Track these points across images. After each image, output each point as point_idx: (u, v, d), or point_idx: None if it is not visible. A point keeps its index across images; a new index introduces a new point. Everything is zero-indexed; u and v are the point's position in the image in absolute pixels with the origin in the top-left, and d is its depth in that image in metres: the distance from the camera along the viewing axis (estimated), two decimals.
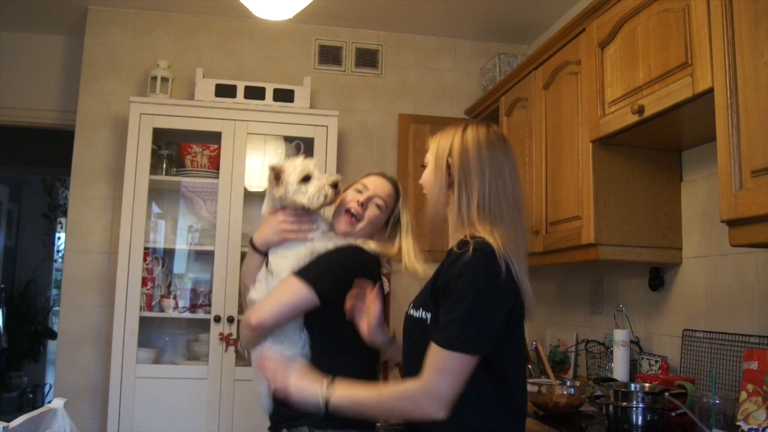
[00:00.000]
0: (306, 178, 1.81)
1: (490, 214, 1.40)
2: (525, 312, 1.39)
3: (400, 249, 1.89)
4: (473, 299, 1.29)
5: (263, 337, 1.74)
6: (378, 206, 1.87)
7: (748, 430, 1.56)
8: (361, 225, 1.86)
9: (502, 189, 1.43)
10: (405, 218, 1.93)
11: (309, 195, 1.80)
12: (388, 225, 1.93)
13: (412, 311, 1.48)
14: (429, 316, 1.39)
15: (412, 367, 1.41)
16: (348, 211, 1.87)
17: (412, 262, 1.86)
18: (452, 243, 1.44)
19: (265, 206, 1.92)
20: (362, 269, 1.77)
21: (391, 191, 1.92)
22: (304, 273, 1.73)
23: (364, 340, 1.71)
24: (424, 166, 1.61)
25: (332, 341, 1.75)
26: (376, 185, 1.90)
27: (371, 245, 1.83)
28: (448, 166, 1.47)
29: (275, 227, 1.83)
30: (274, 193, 1.84)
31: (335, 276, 1.74)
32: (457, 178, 1.44)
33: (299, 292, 1.70)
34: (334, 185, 1.83)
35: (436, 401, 1.28)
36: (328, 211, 1.96)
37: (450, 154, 1.47)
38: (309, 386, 1.44)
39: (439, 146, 1.53)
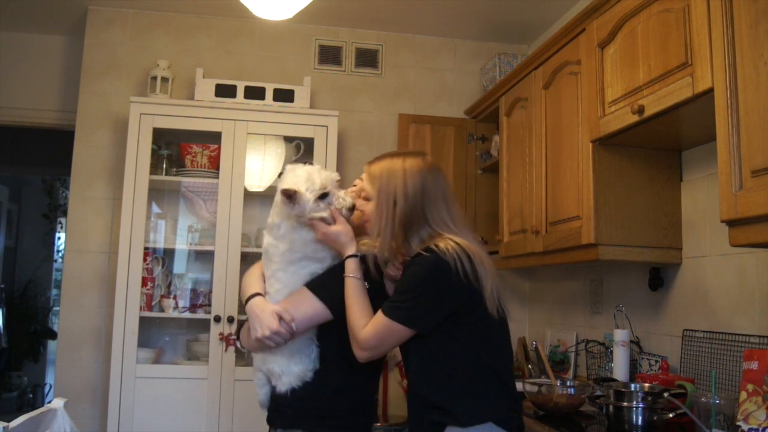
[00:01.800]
0: (324, 196, 1.73)
1: (442, 232, 1.64)
2: (484, 305, 1.57)
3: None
4: (412, 284, 1.58)
5: (282, 341, 1.69)
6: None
7: (748, 430, 1.56)
8: (369, 225, 1.79)
9: (448, 211, 1.67)
10: None
11: (325, 213, 1.73)
12: None
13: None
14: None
15: (418, 367, 1.65)
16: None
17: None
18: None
19: (276, 218, 1.79)
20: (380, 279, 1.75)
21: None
22: (317, 287, 1.72)
23: None
24: (364, 198, 1.74)
25: (343, 353, 1.71)
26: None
27: (365, 245, 1.77)
28: (394, 205, 1.65)
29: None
30: (290, 211, 1.74)
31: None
32: (407, 216, 1.64)
33: (315, 307, 1.69)
34: (351, 208, 1.76)
35: (360, 345, 1.61)
36: None
37: (396, 196, 1.65)
38: (344, 242, 1.72)
39: (383, 184, 1.68)
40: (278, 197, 1.76)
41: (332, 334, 1.73)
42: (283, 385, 1.73)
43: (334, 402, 1.73)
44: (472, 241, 1.64)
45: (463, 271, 1.54)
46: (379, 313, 1.59)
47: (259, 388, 1.83)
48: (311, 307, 1.69)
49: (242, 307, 3.19)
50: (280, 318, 1.66)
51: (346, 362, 1.71)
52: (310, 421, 1.71)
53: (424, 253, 1.57)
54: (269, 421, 1.80)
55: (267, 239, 1.80)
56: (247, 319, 1.78)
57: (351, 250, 1.70)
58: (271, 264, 1.78)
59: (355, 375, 1.75)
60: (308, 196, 1.70)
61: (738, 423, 1.60)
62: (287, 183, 1.73)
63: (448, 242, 1.57)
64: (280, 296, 1.73)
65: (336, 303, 1.68)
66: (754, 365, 1.61)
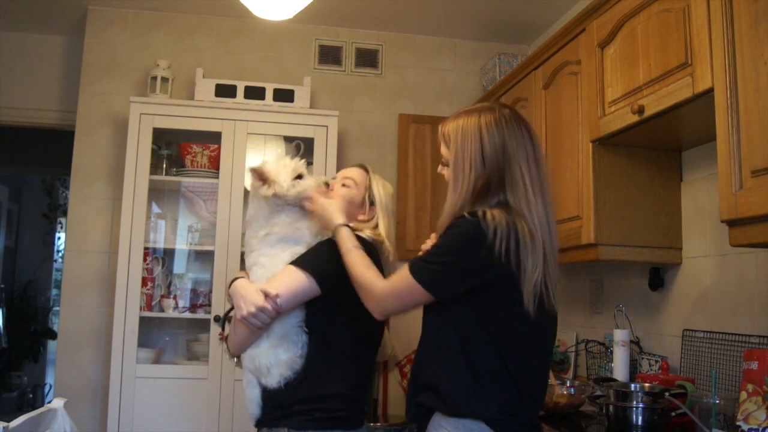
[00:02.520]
0: (299, 177, 1.81)
1: (514, 205, 1.48)
2: (518, 293, 1.40)
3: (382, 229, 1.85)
4: (444, 248, 1.45)
5: (272, 319, 1.65)
6: (345, 185, 1.86)
7: (748, 430, 1.56)
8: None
9: (529, 174, 1.49)
10: (378, 194, 1.87)
11: (309, 185, 1.79)
12: (365, 204, 1.87)
13: None
14: None
15: (426, 338, 1.54)
16: None
17: (389, 241, 1.82)
18: None
19: (256, 209, 1.83)
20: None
21: (357, 171, 1.91)
22: (303, 262, 1.69)
23: (359, 338, 1.72)
24: (443, 164, 1.58)
25: (330, 340, 1.71)
26: (342, 173, 1.93)
27: (366, 232, 1.77)
28: (470, 170, 1.49)
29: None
30: (262, 192, 1.78)
31: (334, 263, 1.66)
32: (484, 183, 1.49)
33: (301, 281, 1.65)
34: (326, 184, 1.86)
35: (377, 299, 1.52)
36: None
37: (472, 161, 1.48)
38: (333, 210, 1.72)
39: (458, 148, 1.51)
40: (252, 186, 1.82)
41: (320, 319, 1.71)
42: (274, 378, 1.68)
43: (320, 395, 1.67)
44: (542, 217, 1.47)
45: (500, 247, 1.37)
46: (405, 268, 1.47)
47: (249, 390, 1.76)
48: (296, 281, 1.65)
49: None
50: (266, 295, 1.63)
51: (334, 349, 1.70)
52: (295, 416, 1.66)
53: (467, 216, 1.42)
54: (258, 425, 1.76)
55: (247, 233, 1.84)
56: (224, 329, 1.78)
57: (340, 219, 1.70)
58: (252, 253, 1.79)
59: (346, 361, 1.72)
60: (282, 177, 1.77)
61: (738, 423, 1.60)
62: (256, 165, 1.82)
63: (501, 213, 1.41)
64: (263, 281, 1.72)
65: (321, 275, 1.66)
66: (754, 365, 1.61)
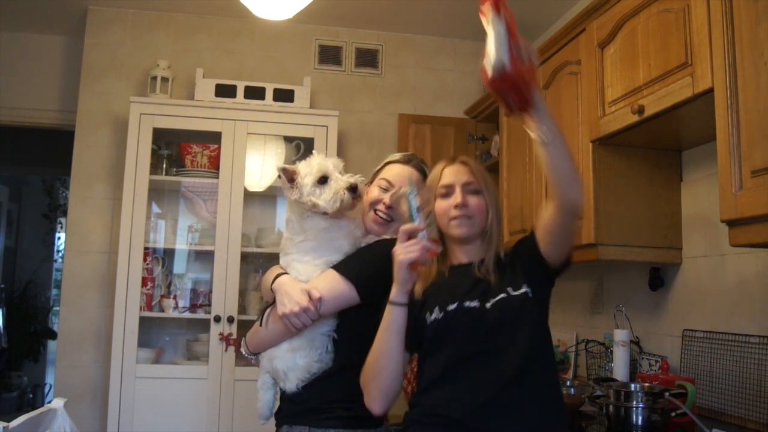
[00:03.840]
0: (323, 180, 1.67)
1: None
2: None
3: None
4: None
5: (308, 320, 1.59)
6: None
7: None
8: (394, 225, 1.71)
9: None
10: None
11: (325, 198, 1.66)
12: None
13: (507, 292, 1.48)
14: (529, 290, 1.50)
15: (510, 347, 1.45)
16: (377, 212, 1.75)
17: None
18: (481, 256, 1.57)
19: (289, 212, 1.76)
20: None
21: (417, 178, 1.75)
22: (345, 269, 1.63)
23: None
24: (474, 191, 1.59)
25: (357, 343, 1.62)
26: (399, 178, 1.76)
27: None
28: (496, 209, 1.61)
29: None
30: (288, 195, 1.70)
31: (376, 273, 1.59)
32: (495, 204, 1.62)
33: (342, 289, 1.61)
34: (353, 188, 1.68)
35: None
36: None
37: (496, 202, 1.62)
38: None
39: (489, 185, 1.61)
40: (283, 187, 1.72)
41: (351, 327, 1.65)
42: (291, 382, 1.64)
43: (345, 395, 1.62)
44: None
45: None
46: None
47: (263, 392, 1.73)
48: (338, 288, 1.60)
49: (243, 307, 3.21)
50: (309, 296, 1.58)
51: (362, 353, 1.61)
52: (316, 414, 1.62)
53: None
54: (277, 421, 1.72)
55: (284, 234, 1.76)
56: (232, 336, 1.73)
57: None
58: (287, 256, 1.73)
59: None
60: (306, 180, 1.67)
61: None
62: (290, 165, 1.71)
63: None
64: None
65: (363, 284, 1.60)
66: None
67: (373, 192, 1.78)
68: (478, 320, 1.46)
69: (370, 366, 1.52)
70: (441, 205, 1.57)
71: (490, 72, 1.35)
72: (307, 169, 1.68)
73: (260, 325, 1.70)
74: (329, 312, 1.62)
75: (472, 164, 1.61)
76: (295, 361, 1.63)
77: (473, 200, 1.55)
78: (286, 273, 1.68)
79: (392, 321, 1.49)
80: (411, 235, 1.48)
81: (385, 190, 1.76)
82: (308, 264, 1.67)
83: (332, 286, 1.61)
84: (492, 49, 1.36)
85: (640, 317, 2.58)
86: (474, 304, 1.48)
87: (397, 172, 1.79)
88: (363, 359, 1.61)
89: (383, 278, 1.57)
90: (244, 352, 1.76)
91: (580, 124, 2.42)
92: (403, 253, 1.47)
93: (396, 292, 1.49)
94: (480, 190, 1.57)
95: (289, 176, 1.69)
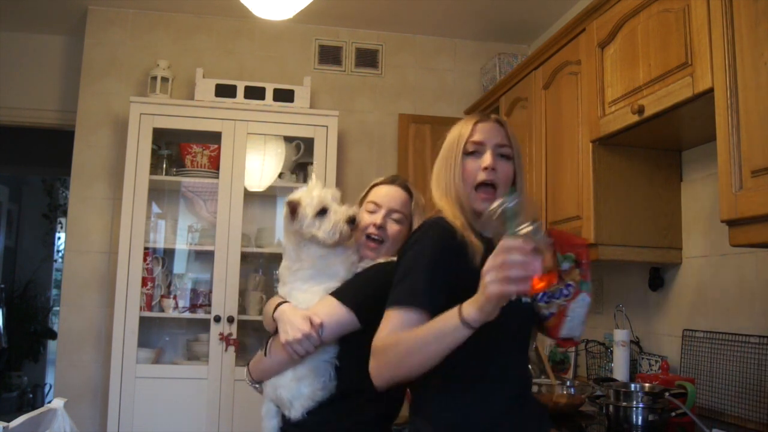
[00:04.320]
0: (322, 212, 1.69)
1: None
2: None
3: None
4: None
5: (311, 346, 1.59)
6: (397, 221, 1.75)
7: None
8: (386, 246, 1.73)
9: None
10: (417, 222, 1.75)
11: (324, 230, 1.68)
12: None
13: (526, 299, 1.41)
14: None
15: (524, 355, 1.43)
16: (369, 237, 1.74)
17: None
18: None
19: (286, 240, 1.77)
20: None
21: (404, 199, 1.77)
22: (343, 295, 1.63)
23: None
24: (506, 155, 1.48)
25: (363, 372, 1.56)
26: (386, 198, 1.77)
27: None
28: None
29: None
30: (290, 227, 1.72)
31: (374, 297, 1.57)
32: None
33: (342, 314, 1.61)
34: (351, 221, 1.70)
35: None
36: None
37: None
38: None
39: (517, 145, 1.52)
40: (284, 217, 1.73)
41: (353, 353, 1.64)
42: (296, 411, 1.64)
43: (351, 424, 1.64)
44: None
45: None
46: None
47: (267, 421, 1.71)
48: (337, 314, 1.61)
49: (243, 307, 3.21)
50: (311, 323, 1.59)
51: (364, 378, 1.61)
52: None
53: None
54: None
55: (282, 264, 1.78)
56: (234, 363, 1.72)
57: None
58: (285, 286, 1.74)
59: (375, 397, 1.62)
60: (307, 211, 1.68)
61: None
62: (291, 196, 1.72)
63: None
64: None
65: (362, 310, 1.60)
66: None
67: (363, 217, 1.77)
68: (528, 314, 1.44)
69: (402, 354, 1.27)
70: (467, 164, 1.44)
71: (565, 334, 1.47)
72: (307, 200, 1.70)
73: (264, 355, 1.71)
74: (331, 338, 1.63)
75: (508, 126, 1.50)
76: (300, 390, 1.64)
77: (503, 166, 1.43)
78: (286, 302, 1.69)
79: (455, 339, 1.19)
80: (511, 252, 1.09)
81: (373, 212, 1.77)
82: (307, 292, 1.69)
83: (332, 312, 1.62)
84: (578, 317, 1.47)
85: (640, 317, 2.58)
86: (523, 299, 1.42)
87: (383, 193, 1.79)
88: (364, 383, 1.59)
89: (381, 302, 1.56)
90: (248, 381, 1.76)
91: (580, 124, 2.42)
92: (499, 281, 1.08)
93: (474, 317, 1.15)
94: (511, 156, 1.46)
95: (293, 208, 1.70)
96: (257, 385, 1.75)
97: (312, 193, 1.70)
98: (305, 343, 1.58)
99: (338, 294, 1.64)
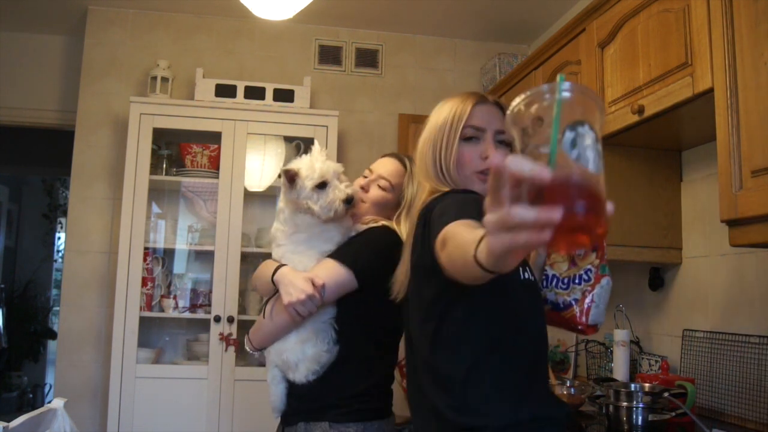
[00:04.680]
0: (322, 185, 1.68)
1: None
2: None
3: None
4: None
5: (314, 307, 1.60)
6: (381, 187, 1.78)
7: (551, 276, 1.54)
8: (365, 207, 1.78)
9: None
10: (408, 196, 1.77)
11: (320, 205, 1.68)
12: (401, 206, 1.79)
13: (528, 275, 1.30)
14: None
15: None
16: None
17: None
18: None
19: (283, 204, 1.78)
20: (396, 247, 1.64)
21: (396, 168, 1.80)
22: (341, 256, 1.66)
23: (388, 330, 1.69)
24: (505, 142, 1.39)
25: (364, 332, 1.69)
26: (378, 165, 1.83)
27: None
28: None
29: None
30: (288, 195, 1.72)
31: (372, 256, 1.66)
32: None
33: (341, 274, 1.62)
34: (348, 200, 1.70)
35: None
36: None
37: None
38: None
39: None
40: (282, 179, 1.74)
41: (351, 314, 1.68)
42: (301, 374, 1.66)
43: (360, 388, 1.66)
44: None
45: None
46: None
47: (274, 386, 1.73)
48: (337, 274, 1.62)
49: (243, 307, 3.21)
50: (313, 283, 1.60)
51: (367, 341, 1.68)
52: (335, 410, 1.64)
53: None
54: (286, 418, 1.73)
55: (274, 225, 1.79)
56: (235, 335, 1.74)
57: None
58: (279, 248, 1.75)
59: (377, 354, 1.70)
60: (306, 183, 1.68)
61: (545, 268, 1.56)
62: (291, 165, 1.72)
63: None
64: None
65: (360, 269, 1.63)
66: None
67: (357, 181, 1.83)
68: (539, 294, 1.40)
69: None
70: (465, 151, 1.35)
71: (588, 320, 1.44)
72: (308, 172, 1.69)
73: (263, 317, 1.72)
74: (331, 298, 1.65)
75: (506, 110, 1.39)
76: (305, 352, 1.65)
77: (502, 154, 1.26)
78: (284, 265, 1.70)
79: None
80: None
81: (365, 176, 1.82)
82: (303, 255, 1.70)
83: (332, 273, 1.63)
84: (604, 302, 1.44)
85: (640, 317, 2.58)
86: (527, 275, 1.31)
87: (378, 162, 1.85)
88: (364, 347, 1.66)
89: (378, 263, 1.62)
90: (248, 349, 1.76)
91: None
92: (505, 230, 0.66)
93: (484, 261, 0.84)
94: (511, 142, 1.36)
95: (290, 177, 1.71)
96: (258, 353, 1.76)
97: (314, 165, 1.69)
98: (308, 304, 1.59)
99: (336, 255, 1.67)
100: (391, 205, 1.79)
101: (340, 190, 1.69)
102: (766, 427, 1.89)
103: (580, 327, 1.46)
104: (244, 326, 3.25)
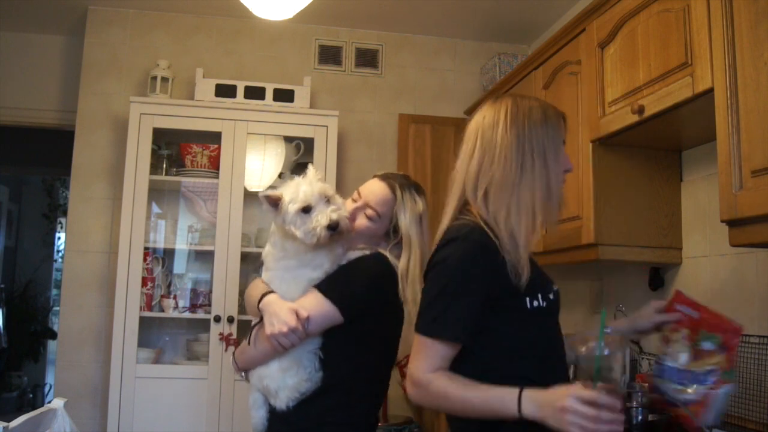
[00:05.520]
0: (306, 209, 1.62)
1: None
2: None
3: (405, 269, 1.66)
4: None
5: (297, 339, 1.58)
6: (368, 216, 1.71)
7: (669, 367, 1.45)
8: (349, 237, 1.70)
9: None
10: (403, 224, 1.71)
11: (303, 230, 1.62)
12: (390, 234, 1.73)
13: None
14: None
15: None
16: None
17: (412, 287, 1.64)
18: None
19: (275, 227, 1.72)
20: (388, 278, 1.65)
21: (384, 196, 1.72)
22: (328, 289, 1.62)
23: (377, 359, 1.70)
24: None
25: (347, 364, 1.66)
26: (368, 191, 1.74)
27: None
28: None
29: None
30: (274, 219, 1.68)
31: (360, 290, 1.64)
32: None
33: (326, 309, 1.60)
34: (333, 227, 1.61)
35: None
36: None
37: None
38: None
39: None
40: (264, 205, 1.68)
41: (337, 345, 1.66)
42: (281, 401, 1.64)
43: (337, 416, 1.64)
44: None
45: None
46: None
47: (255, 411, 1.72)
48: (322, 308, 1.60)
49: (242, 307, 3.21)
50: (297, 316, 1.58)
51: (352, 372, 1.66)
52: None
53: None
54: None
55: (266, 247, 1.76)
56: (234, 344, 1.73)
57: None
58: (267, 272, 1.73)
59: (362, 386, 1.68)
60: (290, 207, 1.62)
61: (662, 357, 1.48)
62: (278, 189, 1.68)
63: None
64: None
65: (346, 305, 1.61)
66: (695, 314, 1.52)
67: (347, 204, 1.76)
68: (559, 308, 1.46)
69: (447, 408, 1.32)
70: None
71: (700, 424, 1.37)
72: (292, 196, 1.63)
73: (248, 344, 1.71)
74: (316, 331, 1.63)
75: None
76: (285, 381, 1.63)
77: None
78: (272, 291, 1.67)
79: (504, 417, 1.23)
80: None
81: (354, 200, 1.75)
82: (290, 283, 1.67)
83: (317, 307, 1.61)
84: (720, 409, 1.36)
85: None
86: (556, 289, 1.45)
87: (368, 186, 1.76)
88: (349, 377, 1.65)
89: (366, 296, 1.61)
90: (234, 369, 1.76)
91: (580, 124, 2.42)
92: (584, 429, 1.14)
93: (533, 416, 1.20)
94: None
95: (272, 202, 1.65)
96: (242, 374, 1.75)
97: (299, 188, 1.64)
98: (291, 337, 1.58)
99: (323, 288, 1.63)
100: (379, 234, 1.74)
101: (324, 215, 1.61)
102: (766, 427, 1.89)
103: (690, 428, 1.39)
104: (244, 326, 3.25)
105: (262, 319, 1.64)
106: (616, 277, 2.80)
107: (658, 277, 2.47)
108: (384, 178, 1.77)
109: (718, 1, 1.67)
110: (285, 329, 1.56)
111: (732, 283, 2.13)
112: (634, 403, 1.92)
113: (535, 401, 1.20)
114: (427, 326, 1.30)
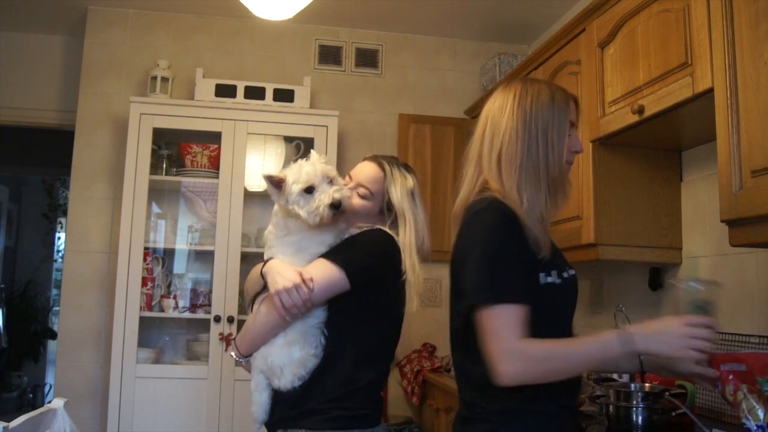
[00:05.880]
0: (309, 189, 1.63)
1: None
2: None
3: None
4: None
5: (303, 305, 1.55)
6: (361, 195, 1.74)
7: (755, 428, 1.53)
8: (345, 216, 1.69)
9: None
10: (396, 199, 1.74)
11: (306, 210, 1.62)
12: (384, 212, 1.75)
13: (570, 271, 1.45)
14: None
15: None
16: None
17: (412, 262, 1.68)
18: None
19: (277, 208, 1.72)
20: (391, 249, 1.66)
21: (374, 174, 1.75)
22: (334, 256, 1.62)
23: (380, 337, 1.68)
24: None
25: (352, 340, 1.64)
26: (358, 172, 1.78)
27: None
28: None
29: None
30: (276, 199, 1.68)
31: (367, 258, 1.64)
32: None
33: (333, 274, 1.58)
34: (336, 205, 1.61)
35: None
36: None
37: None
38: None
39: None
40: (268, 185, 1.69)
41: (341, 319, 1.64)
42: (287, 379, 1.60)
43: (342, 394, 1.60)
44: None
45: None
46: None
47: (258, 394, 1.68)
48: (328, 273, 1.58)
49: (243, 307, 3.21)
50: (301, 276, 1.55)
51: (355, 348, 1.63)
52: (312, 416, 1.59)
53: None
54: (267, 426, 1.69)
55: (268, 228, 1.75)
56: (229, 338, 1.72)
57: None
58: (270, 249, 1.72)
59: (364, 361, 1.64)
60: (293, 187, 1.63)
61: (743, 421, 1.56)
62: (276, 172, 1.69)
63: None
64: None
65: (352, 270, 1.59)
66: (742, 367, 1.58)
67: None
68: (576, 291, 1.47)
69: (559, 368, 1.29)
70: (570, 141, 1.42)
71: None
72: (296, 177, 1.64)
73: (251, 311, 1.69)
74: (321, 298, 1.60)
75: None
76: (291, 356, 1.60)
77: None
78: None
79: (613, 361, 1.34)
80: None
81: (346, 184, 1.77)
82: (293, 257, 1.65)
83: (323, 271, 1.59)
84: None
85: (640, 317, 2.57)
86: (573, 272, 1.45)
87: (358, 167, 1.81)
88: (354, 352, 1.63)
89: (373, 266, 1.61)
90: (234, 356, 1.72)
91: (580, 124, 2.41)
92: (689, 348, 1.32)
93: (641, 349, 1.29)
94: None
95: (275, 183, 1.66)
96: (244, 360, 1.71)
97: (302, 169, 1.64)
98: (295, 295, 1.54)
99: (329, 255, 1.62)
100: (374, 213, 1.75)
101: (326, 195, 1.62)
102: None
103: None
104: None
105: (264, 288, 1.63)
106: (616, 277, 2.80)
107: (658, 277, 2.47)
108: (373, 158, 1.81)
109: (718, 1, 1.68)
110: (289, 284, 1.53)
111: (732, 283, 2.13)
112: (634, 402, 1.92)
113: (644, 335, 1.28)
114: (494, 295, 1.27)
